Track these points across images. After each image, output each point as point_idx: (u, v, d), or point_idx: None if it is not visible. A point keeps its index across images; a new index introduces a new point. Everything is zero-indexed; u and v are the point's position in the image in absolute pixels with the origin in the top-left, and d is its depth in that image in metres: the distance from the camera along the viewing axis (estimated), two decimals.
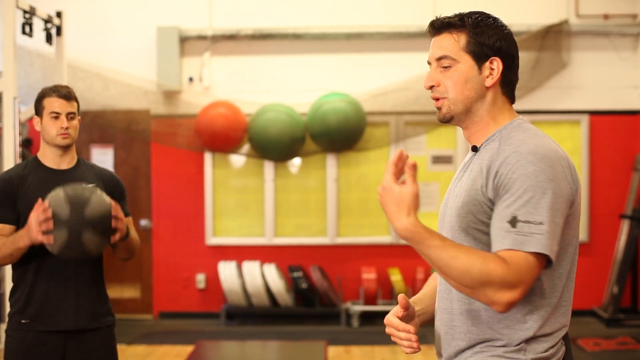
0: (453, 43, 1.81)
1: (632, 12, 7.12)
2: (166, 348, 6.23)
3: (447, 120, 1.85)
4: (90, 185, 2.83)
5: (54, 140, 2.94)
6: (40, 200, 2.74)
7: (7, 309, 3.00)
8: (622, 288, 6.85)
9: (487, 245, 1.73)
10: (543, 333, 1.74)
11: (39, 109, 2.98)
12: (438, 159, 7.27)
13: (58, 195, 2.73)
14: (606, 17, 7.10)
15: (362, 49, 7.25)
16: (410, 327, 1.82)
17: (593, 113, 7.20)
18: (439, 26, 1.83)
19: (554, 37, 7.01)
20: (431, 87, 1.84)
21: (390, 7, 7.23)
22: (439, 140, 7.25)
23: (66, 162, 3.01)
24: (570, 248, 1.75)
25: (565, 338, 1.80)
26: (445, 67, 1.82)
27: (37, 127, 2.99)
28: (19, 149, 4.78)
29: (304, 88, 7.22)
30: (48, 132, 2.94)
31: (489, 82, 1.82)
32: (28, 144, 6.88)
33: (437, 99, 1.84)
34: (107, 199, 2.80)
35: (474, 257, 1.64)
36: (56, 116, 2.93)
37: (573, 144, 7.15)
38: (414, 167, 1.66)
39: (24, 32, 5.17)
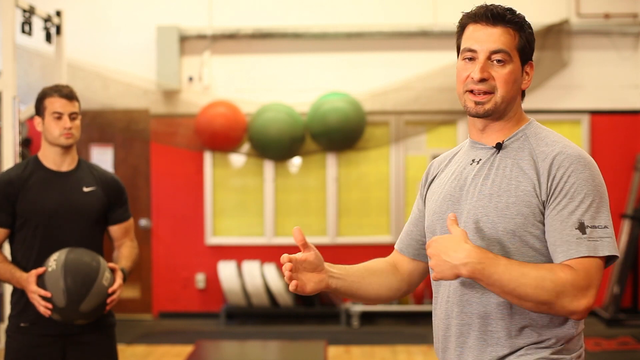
0: (510, 39, 1.76)
1: (633, 11, 7.10)
2: (166, 348, 6.22)
3: (486, 115, 1.78)
4: (95, 262, 2.82)
5: (57, 141, 2.92)
6: (39, 271, 2.78)
7: (7, 309, 2.99)
8: (622, 288, 6.84)
9: (532, 249, 1.71)
10: (579, 331, 1.76)
11: (40, 109, 2.95)
12: None
13: (58, 283, 2.74)
14: (607, 16, 7.09)
15: (362, 49, 7.23)
16: (292, 257, 1.74)
17: (593, 112, 7.19)
18: (496, 18, 1.76)
19: (554, 36, 7.00)
20: (482, 80, 1.74)
21: (390, 6, 7.21)
22: (439, 140, 7.23)
23: (67, 163, 2.99)
24: None
25: None
26: (500, 62, 1.75)
27: (39, 128, 2.97)
28: (18, 149, 4.77)
29: (304, 87, 7.20)
30: (51, 133, 2.92)
31: (525, 85, 1.82)
32: (27, 144, 6.86)
33: (484, 93, 1.75)
34: (107, 282, 2.82)
35: (542, 270, 1.62)
36: (59, 116, 2.91)
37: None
38: (454, 218, 1.67)
39: (23, 31, 5.15)
